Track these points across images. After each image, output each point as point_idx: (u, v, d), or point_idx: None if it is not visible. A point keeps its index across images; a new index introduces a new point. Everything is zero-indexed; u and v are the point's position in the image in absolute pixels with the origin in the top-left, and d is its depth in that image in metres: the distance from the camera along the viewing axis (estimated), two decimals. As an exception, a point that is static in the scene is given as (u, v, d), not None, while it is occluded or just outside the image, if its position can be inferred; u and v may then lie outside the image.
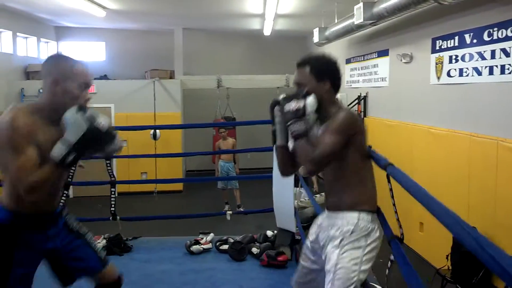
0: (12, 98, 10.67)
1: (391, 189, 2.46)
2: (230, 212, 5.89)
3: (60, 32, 13.31)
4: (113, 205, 5.32)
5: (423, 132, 6.62)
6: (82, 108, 2.19)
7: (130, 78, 11.87)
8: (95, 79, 11.59)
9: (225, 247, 5.06)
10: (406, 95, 7.36)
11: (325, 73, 2.48)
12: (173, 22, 11.81)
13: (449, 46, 6.03)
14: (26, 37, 11.69)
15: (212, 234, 5.35)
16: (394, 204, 2.45)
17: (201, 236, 5.27)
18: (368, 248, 2.38)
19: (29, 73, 11.40)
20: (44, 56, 12.48)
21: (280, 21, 10.87)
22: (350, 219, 2.39)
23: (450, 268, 5.19)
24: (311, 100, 2.38)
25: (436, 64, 6.30)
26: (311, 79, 2.47)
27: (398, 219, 2.41)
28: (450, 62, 5.99)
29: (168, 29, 12.33)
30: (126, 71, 12.93)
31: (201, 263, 4.83)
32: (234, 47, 13.87)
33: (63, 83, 2.23)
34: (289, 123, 2.39)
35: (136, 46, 13.33)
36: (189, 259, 4.96)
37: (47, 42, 12.91)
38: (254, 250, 4.92)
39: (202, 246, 5.12)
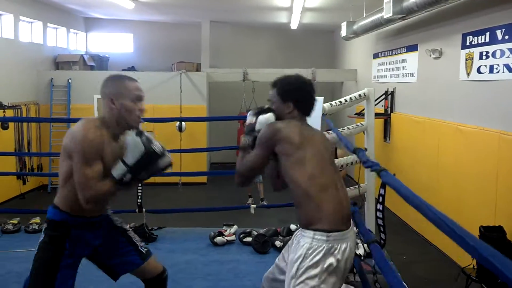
0: (42, 87, 10.88)
1: (382, 195, 2.41)
2: (254, 205, 5.92)
3: (89, 23, 13.50)
4: (139, 197, 5.39)
5: (451, 129, 6.53)
6: (140, 132, 2.41)
7: (157, 70, 11.96)
8: (122, 70, 11.80)
9: (249, 239, 5.09)
10: (435, 91, 7.26)
11: (289, 96, 2.63)
12: (201, 15, 11.85)
13: (479, 42, 5.92)
14: (56, 28, 11.89)
15: (235, 226, 5.38)
16: (380, 210, 2.41)
17: (225, 228, 5.31)
18: (324, 275, 2.26)
19: (58, 64, 11.59)
20: (73, 47, 12.69)
21: (308, 14, 10.81)
22: (305, 239, 2.33)
23: (476, 267, 5.12)
24: (262, 118, 2.61)
25: (466, 60, 6.19)
26: (277, 99, 2.67)
27: (381, 225, 2.38)
28: (481, 58, 5.88)
29: (195, 22, 12.38)
30: (153, 63, 13.05)
31: (224, 255, 4.87)
32: (261, 40, 13.86)
33: (118, 100, 2.49)
34: (243, 135, 2.73)
35: (164, 38, 13.44)
36: (213, 250, 5.00)
37: (77, 33, 13.11)
38: (278, 243, 4.94)
39: (226, 238, 5.16)
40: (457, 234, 1.46)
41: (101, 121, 2.50)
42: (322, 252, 2.25)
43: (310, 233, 2.30)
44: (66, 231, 2.51)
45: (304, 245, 2.30)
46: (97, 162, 2.36)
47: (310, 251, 2.27)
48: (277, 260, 2.71)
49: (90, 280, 4.00)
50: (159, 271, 2.88)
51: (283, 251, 2.68)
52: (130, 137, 2.40)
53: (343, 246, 2.29)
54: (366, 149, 5.12)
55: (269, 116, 2.60)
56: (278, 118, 2.62)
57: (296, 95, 2.63)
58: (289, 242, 2.61)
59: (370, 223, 4.89)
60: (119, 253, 2.75)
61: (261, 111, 2.67)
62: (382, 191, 2.40)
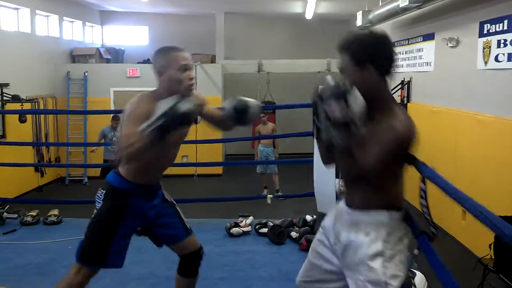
0: (59, 81, 10.98)
1: (423, 190, 2.32)
2: (271, 195, 5.92)
3: (105, 16, 13.56)
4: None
5: (468, 118, 6.45)
6: (181, 96, 2.42)
7: (172, 62, 11.98)
8: (138, 63, 11.85)
9: (265, 230, 5.09)
10: (452, 80, 7.18)
11: (368, 57, 2.04)
12: (215, 6, 11.84)
13: (497, 30, 5.83)
14: (72, 21, 11.98)
15: (251, 217, 5.38)
16: (425, 205, 2.31)
17: (240, 219, 5.32)
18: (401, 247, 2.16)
19: (74, 57, 11.69)
20: (89, 40, 12.77)
21: (323, 4, 10.73)
22: (383, 219, 2.16)
23: (493, 257, 5.07)
24: (355, 100, 1.96)
25: (484, 48, 6.11)
26: (351, 66, 2.07)
27: (427, 219, 2.27)
28: (499, 46, 5.79)
29: (209, 13, 12.37)
30: (168, 55, 13.07)
31: (240, 246, 4.87)
32: (275, 31, 13.80)
33: (165, 71, 2.53)
34: (333, 133, 2.01)
35: (179, 30, 13.45)
36: (229, 241, 5.01)
37: (92, 26, 13.19)
38: (293, 234, 4.93)
39: (241, 228, 5.16)
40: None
41: (154, 93, 2.56)
42: (403, 230, 2.19)
43: (383, 212, 2.15)
44: (126, 201, 2.63)
45: (379, 226, 2.14)
46: (138, 126, 2.35)
47: (391, 230, 2.15)
48: (312, 259, 2.39)
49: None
50: (197, 247, 2.97)
51: (317, 248, 2.38)
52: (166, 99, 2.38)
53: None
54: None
55: (357, 97, 1.96)
56: (358, 88, 2.00)
57: (376, 53, 2.05)
58: (321, 236, 2.38)
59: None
60: (168, 225, 2.86)
61: (340, 90, 1.97)
62: (423, 186, 2.31)
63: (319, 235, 2.41)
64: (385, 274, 2.07)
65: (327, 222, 2.38)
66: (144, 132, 2.33)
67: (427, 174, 2.26)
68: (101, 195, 2.72)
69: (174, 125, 2.39)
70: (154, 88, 2.63)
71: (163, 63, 2.55)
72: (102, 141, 9.13)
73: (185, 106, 2.38)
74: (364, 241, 2.13)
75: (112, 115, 9.40)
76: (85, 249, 2.62)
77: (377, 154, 2.00)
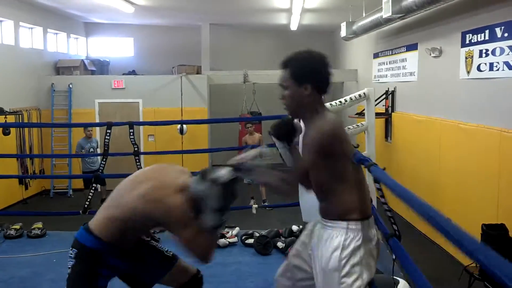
0: (43, 93, 10.90)
1: (379, 189, 2.40)
2: (256, 206, 5.91)
3: (90, 28, 13.52)
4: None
5: (452, 127, 6.51)
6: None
7: (158, 74, 11.98)
8: (123, 74, 11.82)
9: (251, 241, 5.08)
10: (435, 90, 7.25)
11: (306, 76, 2.33)
12: (200, 18, 11.87)
13: (479, 40, 5.91)
14: (57, 33, 11.92)
15: (237, 228, 5.37)
16: (385, 203, 2.41)
17: (226, 229, 5.30)
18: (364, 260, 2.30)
19: (59, 68, 11.61)
20: (73, 52, 12.71)
21: (307, 15, 10.82)
22: (339, 230, 2.31)
23: (478, 265, 5.10)
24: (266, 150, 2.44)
25: (466, 58, 6.19)
26: (291, 83, 2.37)
27: (390, 217, 2.38)
28: (481, 56, 5.87)
29: (195, 25, 12.40)
30: (154, 66, 13.07)
31: (227, 257, 4.86)
32: (261, 42, 13.87)
33: None
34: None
35: (164, 41, 13.46)
36: (215, 252, 4.99)
37: (77, 38, 13.13)
38: (280, 244, 4.93)
39: (228, 239, 5.15)
40: (442, 226, 1.50)
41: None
42: (360, 240, 2.28)
43: (343, 223, 2.30)
44: (97, 266, 2.53)
45: (338, 237, 2.29)
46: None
47: (347, 242, 2.27)
48: (292, 260, 2.62)
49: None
50: (193, 272, 2.85)
51: (299, 248, 2.60)
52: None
53: (374, 231, 2.36)
54: (358, 145, 5.13)
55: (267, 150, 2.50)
56: (295, 103, 2.39)
57: (314, 74, 2.33)
58: (303, 239, 2.58)
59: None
60: (146, 267, 2.74)
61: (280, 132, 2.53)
62: (377, 185, 2.42)
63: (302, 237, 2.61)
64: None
65: (309, 225, 2.58)
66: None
67: (377, 175, 2.32)
68: (72, 254, 2.56)
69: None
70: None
71: None
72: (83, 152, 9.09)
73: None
74: (324, 251, 2.30)
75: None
76: None
77: (308, 155, 2.25)
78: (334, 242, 2.27)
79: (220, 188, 2.41)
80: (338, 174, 2.30)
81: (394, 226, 2.37)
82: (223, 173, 2.46)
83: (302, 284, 2.58)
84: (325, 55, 2.38)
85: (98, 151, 9.14)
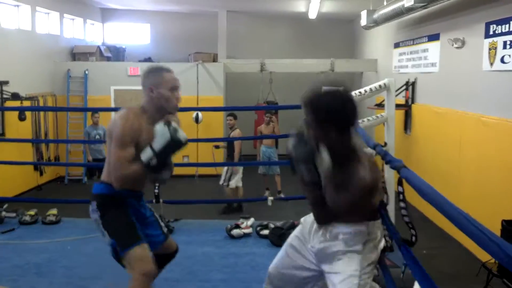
0: (59, 79, 10.91)
1: (401, 193, 2.36)
2: (272, 197, 5.85)
3: (106, 14, 13.50)
4: (156, 188, 5.34)
5: (473, 120, 6.38)
6: (168, 123, 2.72)
7: (174, 61, 11.89)
8: (139, 61, 11.78)
9: (266, 232, 5.04)
10: (457, 81, 7.10)
11: (327, 118, 2.19)
12: (217, 5, 11.76)
13: (503, 31, 5.75)
14: (73, 19, 11.92)
15: (252, 219, 5.33)
16: (404, 208, 2.37)
17: (241, 220, 5.26)
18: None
19: (75, 55, 11.62)
20: (89, 38, 12.71)
21: (327, 3, 10.66)
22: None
23: (497, 262, 5.00)
24: (322, 162, 2.24)
25: (490, 49, 6.03)
26: (313, 123, 2.24)
27: (407, 222, 2.34)
28: (505, 47, 5.72)
29: (212, 12, 12.28)
30: (170, 53, 13.01)
31: (241, 247, 4.83)
32: (278, 30, 13.74)
33: (156, 89, 2.78)
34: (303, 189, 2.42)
35: (180, 28, 13.39)
36: (229, 243, 4.96)
37: (93, 23, 13.12)
38: (295, 236, 4.87)
39: (242, 230, 5.11)
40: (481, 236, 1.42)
41: (141, 109, 2.79)
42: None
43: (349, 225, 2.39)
44: (123, 200, 2.84)
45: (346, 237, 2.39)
46: (131, 146, 2.67)
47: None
48: (290, 253, 2.66)
49: (102, 271, 3.99)
50: (174, 249, 3.19)
51: (294, 244, 2.65)
52: (158, 126, 2.69)
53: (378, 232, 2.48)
54: (386, 144, 5.02)
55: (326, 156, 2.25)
56: (322, 141, 2.27)
57: (335, 116, 2.20)
58: (301, 235, 2.64)
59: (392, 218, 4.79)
60: (150, 235, 2.97)
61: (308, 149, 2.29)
62: (400, 189, 2.35)
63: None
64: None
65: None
66: (145, 160, 2.64)
67: (410, 178, 2.30)
68: (93, 207, 2.83)
69: (173, 152, 2.75)
70: (142, 100, 2.84)
71: (155, 81, 2.79)
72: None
73: (182, 135, 2.74)
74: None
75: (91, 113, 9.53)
76: (119, 238, 2.76)
77: (348, 204, 2.23)
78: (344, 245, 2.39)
79: (172, 138, 2.67)
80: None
81: (412, 231, 2.32)
82: (182, 133, 2.76)
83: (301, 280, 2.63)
84: (348, 90, 2.25)
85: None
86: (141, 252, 2.74)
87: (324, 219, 2.40)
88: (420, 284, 2.13)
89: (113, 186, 2.76)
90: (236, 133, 8.32)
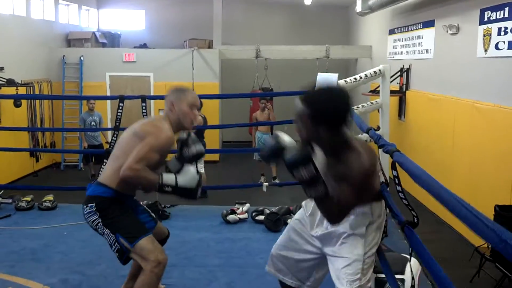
0: (54, 65, 10.87)
1: (396, 177, 2.42)
2: (267, 183, 5.89)
3: (101, 0, 13.40)
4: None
5: (467, 106, 6.41)
6: (189, 135, 3.03)
7: (169, 47, 11.89)
8: (134, 47, 11.73)
9: (261, 217, 5.08)
10: (451, 68, 7.12)
11: (320, 117, 2.20)
12: (213, -10, 11.69)
13: (498, 17, 5.76)
14: (68, 5, 11.83)
15: (248, 205, 5.37)
16: (400, 191, 2.42)
17: (237, 206, 5.30)
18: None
19: (70, 41, 11.56)
20: (84, 24, 12.63)
21: (322, -11, 10.62)
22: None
23: (490, 246, 5.06)
24: (318, 160, 2.24)
25: (484, 36, 6.04)
26: (307, 118, 2.23)
27: (407, 204, 2.38)
28: (499, 34, 5.73)
29: (207, -2, 12.22)
30: (165, 40, 12.95)
31: (237, 233, 4.87)
32: (274, 16, 13.68)
33: (177, 105, 2.94)
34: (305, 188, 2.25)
35: (176, 15, 13.31)
36: (225, 228, 5.00)
37: (88, 9, 13.03)
38: (290, 221, 4.91)
39: (238, 216, 5.15)
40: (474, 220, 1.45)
41: (168, 122, 2.94)
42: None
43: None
44: (118, 200, 2.91)
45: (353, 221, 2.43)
46: (157, 156, 2.82)
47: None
48: (292, 236, 2.70)
49: (100, 256, 4.03)
50: (165, 235, 3.29)
51: (296, 228, 2.68)
52: (193, 168, 2.97)
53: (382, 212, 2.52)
54: (378, 128, 5.05)
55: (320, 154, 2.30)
56: (309, 137, 2.28)
57: (328, 117, 2.22)
58: (303, 218, 2.66)
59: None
60: (141, 216, 3.12)
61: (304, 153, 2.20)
62: (395, 173, 2.39)
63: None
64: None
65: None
66: (162, 182, 2.81)
67: (403, 162, 2.35)
68: (91, 209, 2.87)
69: (187, 193, 2.92)
70: (163, 113, 3.03)
71: (177, 97, 2.97)
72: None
73: (200, 148, 3.04)
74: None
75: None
76: (127, 231, 2.84)
77: (353, 193, 2.22)
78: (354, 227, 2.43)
79: (195, 188, 2.91)
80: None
81: (412, 212, 2.36)
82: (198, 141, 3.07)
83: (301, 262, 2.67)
84: (346, 93, 2.27)
85: (102, 125, 9.24)
86: (152, 242, 2.85)
87: (337, 218, 2.32)
88: (425, 265, 2.17)
89: (108, 187, 2.86)
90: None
